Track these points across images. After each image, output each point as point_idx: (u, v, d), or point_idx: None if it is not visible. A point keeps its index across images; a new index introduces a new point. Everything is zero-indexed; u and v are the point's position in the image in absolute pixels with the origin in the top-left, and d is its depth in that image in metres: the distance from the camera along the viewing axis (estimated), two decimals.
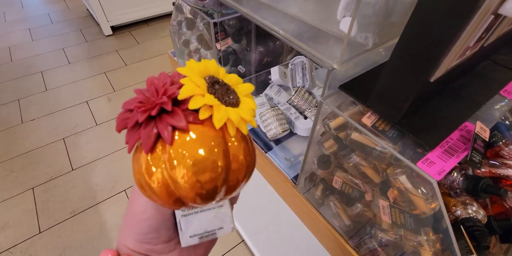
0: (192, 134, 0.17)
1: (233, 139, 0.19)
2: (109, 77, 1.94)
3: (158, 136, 0.18)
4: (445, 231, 0.33)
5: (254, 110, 0.20)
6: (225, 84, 0.20)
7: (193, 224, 0.23)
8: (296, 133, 0.67)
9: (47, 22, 2.49)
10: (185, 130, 0.17)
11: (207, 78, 0.19)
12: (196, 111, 0.18)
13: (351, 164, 0.43)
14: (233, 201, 0.26)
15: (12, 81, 1.89)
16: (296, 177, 0.59)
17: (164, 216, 0.22)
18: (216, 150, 0.17)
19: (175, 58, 0.92)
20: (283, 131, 0.62)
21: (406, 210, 0.36)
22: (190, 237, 0.23)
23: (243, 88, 0.21)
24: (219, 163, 0.17)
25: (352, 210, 0.49)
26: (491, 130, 0.42)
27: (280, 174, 0.61)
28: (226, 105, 0.19)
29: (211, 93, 0.18)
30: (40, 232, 1.19)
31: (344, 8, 0.43)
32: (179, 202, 0.18)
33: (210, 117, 0.18)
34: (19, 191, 1.33)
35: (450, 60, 0.30)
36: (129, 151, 0.19)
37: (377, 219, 0.43)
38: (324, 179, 0.52)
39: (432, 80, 0.31)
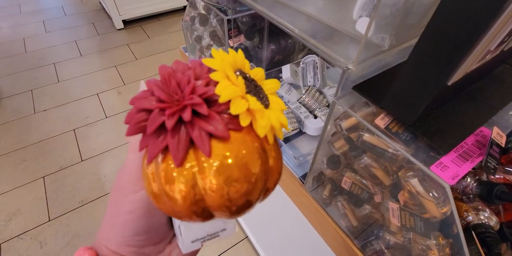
0: (231, 143, 0.15)
1: (271, 147, 0.16)
2: (119, 71, 1.96)
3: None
4: (455, 236, 0.33)
5: (283, 112, 0.18)
6: (253, 80, 0.17)
7: (194, 228, 0.21)
8: (305, 132, 0.67)
9: (61, 14, 2.52)
10: (225, 139, 0.15)
11: (237, 73, 0.17)
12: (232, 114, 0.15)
13: (361, 165, 0.43)
14: None
15: (26, 72, 1.93)
16: (304, 176, 0.59)
17: (155, 216, 0.20)
18: (257, 160, 0.15)
19: (187, 53, 0.92)
20: (292, 130, 0.62)
21: (417, 213, 0.36)
22: (192, 242, 0.21)
23: (269, 85, 0.18)
24: (261, 175, 0.15)
25: (360, 211, 0.49)
26: (508, 136, 0.42)
27: (288, 173, 0.61)
28: (262, 103, 0.16)
29: (248, 93, 0.16)
30: (49, 220, 1.22)
31: (361, 8, 0.43)
32: (206, 214, 0.16)
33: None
34: (30, 179, 1.36)
35: (470, 64, 0.30)
36: (150, 161, 0.16)
37: (385, 221, 0.42)
38: (333, 179, 0.52)
39: (450, 83, 0.31)
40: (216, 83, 0.15)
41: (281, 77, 0.74)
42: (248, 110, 0.15)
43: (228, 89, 0.15)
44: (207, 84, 0.16)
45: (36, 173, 1.40)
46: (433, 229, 0.36)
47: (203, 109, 0.15)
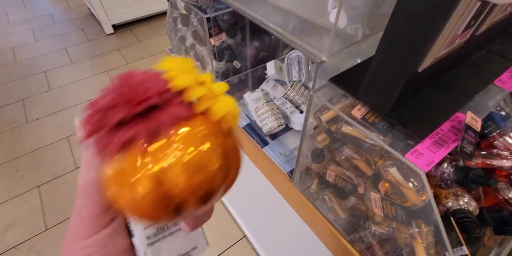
0: (190, 130, 0.15)
1: (228, 136, 0.17)
2: (111, 76, 1.96)
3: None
4: (435, 223, 0.33)
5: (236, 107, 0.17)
6: (202, 82, 0.18)
7: (162, 252, 0.20)
8: (292, 128, 0.67)
9: (50, 22, 2.51)
10: (181, 126, 0.15)
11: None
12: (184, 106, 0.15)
13: (343, 157, 0.43)
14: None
15: (16, 82, 1.92)
16: (292, 172, 0.59)
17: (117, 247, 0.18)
18: (216, 146, 0.15)
19: (173, 54, 0.92)
20: (278, 126, 0.62)
21: (397, 202, 0.36)
22: None
23: (218, 87, 0.18)
24: (221, 160, 0.16)
25: (346, 204, 0.49)
26: (486, 121, 0.42)
27: (276, 169, 0.61)
28: None
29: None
30: (46, 229, 1.22)
31: (335, 0, 0.42)
32: (174, 211, 0.15)
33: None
34: (25, 189, 1.35)
35: (438, 49, 0.30)
36: (112, 156, 0.15)
37: (370, 212, 0.42)
38: (319, 173, 0.52)
39: (420, 70, 0.31)
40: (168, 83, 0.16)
41: (266, 74, 0.74)
42: (207, 97, 0.16)
43: (184, 77, 0.16)
44: (162, 84, 0.16)
45: (31, 182, 1.39)
46: (414, 217, 0.36)
47: (159, 99, 0.15)
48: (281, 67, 0.74)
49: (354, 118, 0.37)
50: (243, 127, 0.70)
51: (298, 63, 0.72)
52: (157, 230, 0.20)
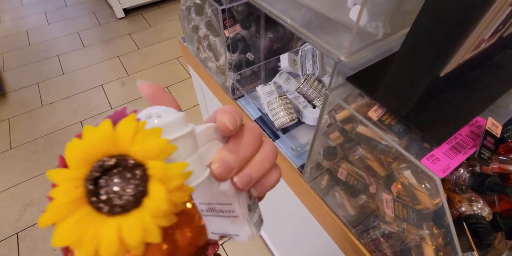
0: None
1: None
2: (122, 61, 1.96)
3: None
4: (447, 227, 0.33)
5: (162, 210, 0.12)
6: (126, 165, 0.13)
7: (213, 223, 0.23)
8: (304, 122, 0.66)
9: (62, 5, 2.50)
10: None
11: (96, 165, 0.13)
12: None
13: (356, 157, 0.43)
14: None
15: (31, 65, 1.94)
16: (302, 166, 0.60)
17: None
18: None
19: (185, 43, 0.91)
20: (290, 120, 0.62)
21: (409, 205, 0.36)
22: (212, 233, 0.23)
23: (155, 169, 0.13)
24: None
25: (356, 201, 0.49)
26: (506, 125, 0.41)
27: (287, 163, 0.61)
28: (113, 212, 0.12)
29: (95, 203, 0.12)
30: None
31: None
32: None
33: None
34: (42, 170, 1.40)
35: (462, 54, 0.29)
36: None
37: (380, 212, 0.43)
38: (330, 169, 0.52)
39: (442, 74, 0.30)
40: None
41: (280, 66, 0.73)
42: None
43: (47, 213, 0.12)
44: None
45: (47, 164, 1.44)
46: (425, 220, 0.36)
47: None
48: (294, 60, 0.73)
49: (370, 119, 0.37)
50: (254, 120, 0.70)
51: (313, 56, 0.71)
52: (207, 208, 0.22)
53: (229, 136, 0.19)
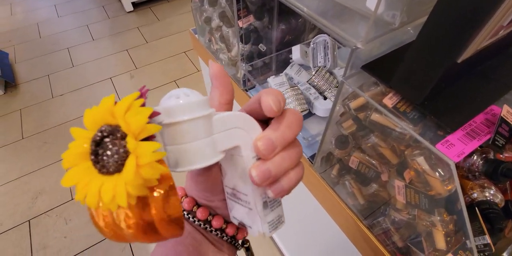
0: None
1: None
2: (131, 54, 1.98)
3: None
4: (459, 213, 0.33)
5: (131, 181, 0.14)
6: (117, 135, 0.15)
7: (233, 209, 0.24)
8: (314, 113, 0.67)
9: None
10: None
11: (98, 133, 0.15)
12: None
13: (369, 145, 0.43)
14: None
15: (42, 57, 1.97)
16: (313, 157, 0.60)
17: (215, 183, 0.23)
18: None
19: (196, 35, 0.92)
20: (301, 111, 0.63)
21: (422, 190, 0.37)
22: (233, 217, 0.25)
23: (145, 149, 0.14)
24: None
25: (367, 190, 0.50)
26: None
27: None
28: (101, 171, 0.14)
29: (94, 160, 0.15)
30: (72, 199, 1.30)
31: None
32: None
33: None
34: (53, 160, 1.43)
35: (480, 41, 0.29)
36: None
37: (391, 199, 0.44)
38: (341, 159, 0.53)
39: (459, 61, 0.30)
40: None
41: (291, 58, 0.74)
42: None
43: (69, 174, 0.15)
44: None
45: (58, 154, 1.47)
46: (437, 205, 0.37)
47: None
48: (306, 52, 0.74)
49: (385, 107, 0.37)
50: None
51: (324, 48, 0.71)
52: (231, 193, 0.23)
53: (271, 119, 0.20)
